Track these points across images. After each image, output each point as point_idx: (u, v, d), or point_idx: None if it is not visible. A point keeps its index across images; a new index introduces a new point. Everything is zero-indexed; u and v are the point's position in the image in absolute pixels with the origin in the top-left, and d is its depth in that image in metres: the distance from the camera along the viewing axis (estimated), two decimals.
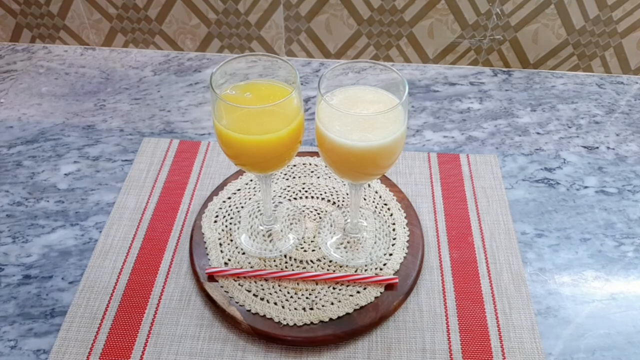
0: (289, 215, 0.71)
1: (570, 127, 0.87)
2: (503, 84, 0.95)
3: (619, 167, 0.81)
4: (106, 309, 0.63)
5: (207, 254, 0.67)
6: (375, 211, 0.72)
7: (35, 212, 0.74)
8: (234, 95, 0.57)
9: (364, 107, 0.56)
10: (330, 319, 0.61)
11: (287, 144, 0.56)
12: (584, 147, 0.84)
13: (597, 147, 0.84)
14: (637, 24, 0.90)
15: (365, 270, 0.66)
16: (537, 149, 0.84)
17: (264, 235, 0.69)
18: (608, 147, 0.84)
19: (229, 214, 0.72)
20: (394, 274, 0.65)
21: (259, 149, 0.55)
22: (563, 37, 0.92)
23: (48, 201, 0.75)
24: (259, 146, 0.54)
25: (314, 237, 0.69)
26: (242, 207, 0.73)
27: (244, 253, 0.68)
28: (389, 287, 0.64)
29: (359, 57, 0.98)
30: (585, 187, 0.78)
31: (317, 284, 0.64)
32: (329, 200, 0.74)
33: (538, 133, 0.86)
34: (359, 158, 0.54)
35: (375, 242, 0.68)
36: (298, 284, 0.64)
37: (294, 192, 0.75)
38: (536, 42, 0.94)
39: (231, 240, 0.69)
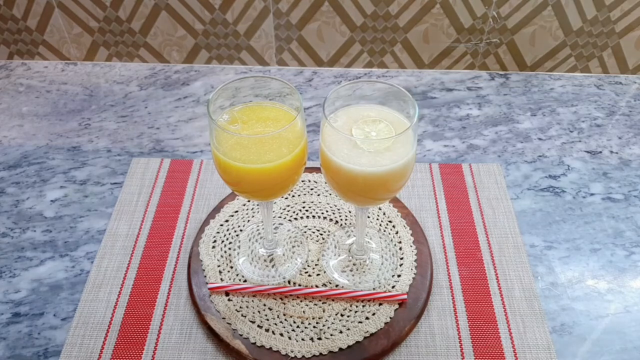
0: (290, 237, 0.68)
1: (572, 132, 0.85)
2: (501, 88, 0.93)
3: (623, 172, 0.79)
4: (102, 347, 0.60)
5: (207, 283, 0.64)
6: (380, 229, 0.70)
7: (21, 243, 0.70)
8: (233, 119, 0.53)
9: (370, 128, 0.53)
10: (340, 349, 0.58)
11: (292, 169, 0.53)
12: (587, 152, 0.82)
13: (601, 152, 0.82)
14: (635, 23, 0.88)
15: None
16: (540, 156, 0.81)
17: (265, 260, 0.66)
18: (611, 151, 0.82)
19: (227, 239, 0.69)
20: None
21: (262, 177, 0.52)
22: (560, 39, 0.90)
23: (35, 231, 0.71)
24: (261, 174, 0.51)
25: (318, 260, 0.66)
26: (240, 230, 0.70)
27: (245, 280, 0.65)
28: (399, 310, 0.62)
29: (352, 65, 0.95)
30: (592, 194, 0.76)
31: (324, 312, 0.61)
32: (331, 219, 0.71)
33: (540, 139, 0.84)
34: (368, 183, 0.51)
35: (382, 263, 0.66)
36: (304, 312, 0.61)
37: (294, 212, 0.72)
38: (533, 44, 0.92)
39: (231, 267, 0.66)
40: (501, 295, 0.65)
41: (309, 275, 0.65)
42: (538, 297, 0.65)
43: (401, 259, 0.66)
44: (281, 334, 0.59)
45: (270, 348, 0.58)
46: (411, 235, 0.69)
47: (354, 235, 0.68)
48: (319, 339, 0.59)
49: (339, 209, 0.72)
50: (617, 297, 0.65)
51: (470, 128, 0.86)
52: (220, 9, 0.89)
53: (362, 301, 0.62)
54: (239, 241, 0.68)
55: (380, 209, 0.72)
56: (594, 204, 0.75)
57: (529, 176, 0.79)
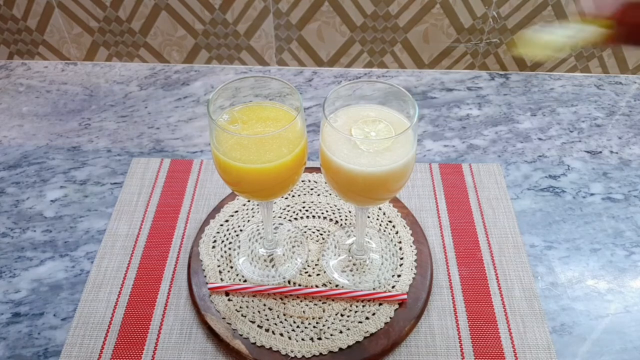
0: (290, 237, 0.68)
1: (572, 132, 0.85)
2: (501, 88, 0.93)
3: (623, 172, 0.79)
4: (102, 347, 0.60)
5: (207, 283, 0.64)
6: (380, 229, 0.70)
7: (21, 243, 0.70)
8: (233, 119, 0.53)
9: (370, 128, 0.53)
10: (340, 349, 0.58)
11: (292, 169, 0.53)
12: (587, 152, 0.82)
13: (601, 152, 0.82)
14: None
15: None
16: (540, 156, 0.81)
17: (265, 260, 0.66)
18: (611, 151, 0.82)
19: (227, 239, 0.69)
20: None
21: (262, 177, 0.52)
22: None
23: (35, 231, 0.71)
24: (261, 174, 0.51)
25: (318, 260, 0.66)
26: (240, 230, 0.70)
27: (245, 280, 0.65)
28: (399, 310, 0.62)
29: (352, 65, 0.95)
30: (592, 194, 0.76)
31: (324, 312, 0.61)
32: (331, 219, 0.71)
33: (540, 139, 0.84)
34: (368, 183, 0.51)
35: (382, 263, 0.66)
36: (304, 312, 0.61)
37: (294, 212, 0.72)
38: None
39: (231, 267, 0.66)
40: (501, 295, 0.65)
41: (309, 275, 0.65)
42: (538, 297, 0.65)
43: (401, 259, 0.66)
44: (281, 334, 0.59)
45: (270, 348, 0.58)
46: (411, 235, 0.69)
47: (354, 235, 0.68)
48: (319, 339, 0.59)
49: (339, 209, 0.72)
50: (617, 297, 0.65)
51: (470, 128, 0.86)
52: (220, 9, 0.89)
53: (362, 301, 0.62)
54: (239, 241, 0.68)
55: (380, 209, 0.72)
56: (594, 204, 0.75)
57: (529, 176, 0.79)
